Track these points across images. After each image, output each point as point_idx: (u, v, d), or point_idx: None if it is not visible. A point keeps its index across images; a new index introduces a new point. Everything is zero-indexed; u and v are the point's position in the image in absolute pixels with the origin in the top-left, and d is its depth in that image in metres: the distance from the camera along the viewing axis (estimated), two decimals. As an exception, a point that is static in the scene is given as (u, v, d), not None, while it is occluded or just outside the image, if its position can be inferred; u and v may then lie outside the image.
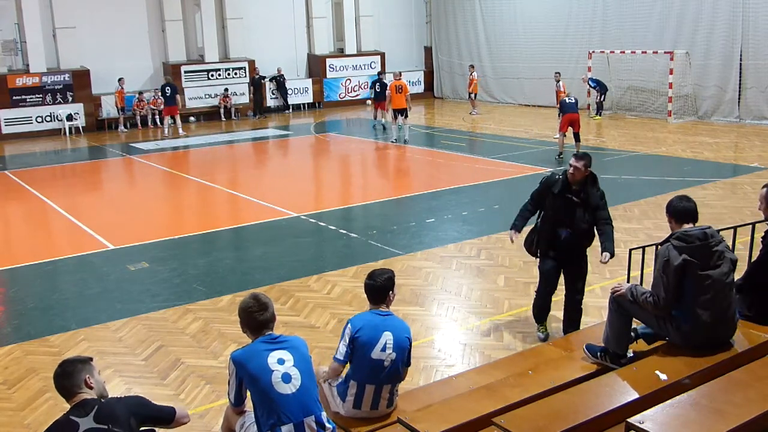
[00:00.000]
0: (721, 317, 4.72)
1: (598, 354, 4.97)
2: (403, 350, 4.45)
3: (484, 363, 6.19)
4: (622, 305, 4.92)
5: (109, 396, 3.80)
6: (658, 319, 4.86)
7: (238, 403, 4.11)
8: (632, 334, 5.07)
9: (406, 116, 18.80)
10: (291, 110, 26.77)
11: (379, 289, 4.49)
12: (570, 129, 15.49)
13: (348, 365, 4.47)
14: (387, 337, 4.38)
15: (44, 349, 7.03)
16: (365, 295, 4.60)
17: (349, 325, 4.42)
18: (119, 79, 22.99)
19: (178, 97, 22.38)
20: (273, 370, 3.89)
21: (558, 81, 19.43)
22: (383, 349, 4.35)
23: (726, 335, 4.82)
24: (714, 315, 4.67)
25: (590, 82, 22.06)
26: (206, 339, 7.15)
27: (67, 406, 3.62)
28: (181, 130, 22.19)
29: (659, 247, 4.91)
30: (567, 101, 15.54)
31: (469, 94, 24.79)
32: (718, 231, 4.92)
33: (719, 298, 4.69)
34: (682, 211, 4.88)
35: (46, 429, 3.56)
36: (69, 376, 3.67)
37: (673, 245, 4.73)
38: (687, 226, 4.83)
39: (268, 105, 26.45)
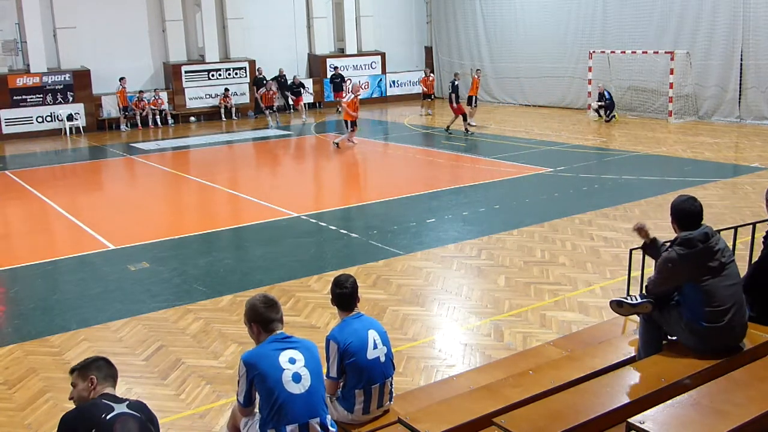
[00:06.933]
0: (737, 321, 4.60)
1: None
2: (388, 341, 4.54)
3: (484, 363, 6.19)
4: (650, 314, 4.79)
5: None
6: (675, 325, 4.71)
7: (247, 404, 4.06)
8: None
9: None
10: (291, 110, 26.78)
11: (351, 295, 4.55)
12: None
13: (344, 378, 4.44)
14: (373, 335, 4.44)
15: (45, 349, 7.03)
16: (334, 304, 4.64)
17: (332, 343, 4.39)
18: (121, 79, 22.98)
19: (302, 89, 25.68)
20: (284, 369, 3.88)
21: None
22: (375, 347, 4.41)
23: (740, 338, 4.70)
24: (729, 318, 4.54)
25: (606, 93, 21.53)
26: (207, 339, 7.15)
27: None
28: (304, 116, 24.95)
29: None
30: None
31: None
32: (719, 231, 4.85)
33: (733, 300, 4.57)
34: (686, 215, 4.66)
35: (72, 411, 3.48)
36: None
37: (676, 252, 4.56)
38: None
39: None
